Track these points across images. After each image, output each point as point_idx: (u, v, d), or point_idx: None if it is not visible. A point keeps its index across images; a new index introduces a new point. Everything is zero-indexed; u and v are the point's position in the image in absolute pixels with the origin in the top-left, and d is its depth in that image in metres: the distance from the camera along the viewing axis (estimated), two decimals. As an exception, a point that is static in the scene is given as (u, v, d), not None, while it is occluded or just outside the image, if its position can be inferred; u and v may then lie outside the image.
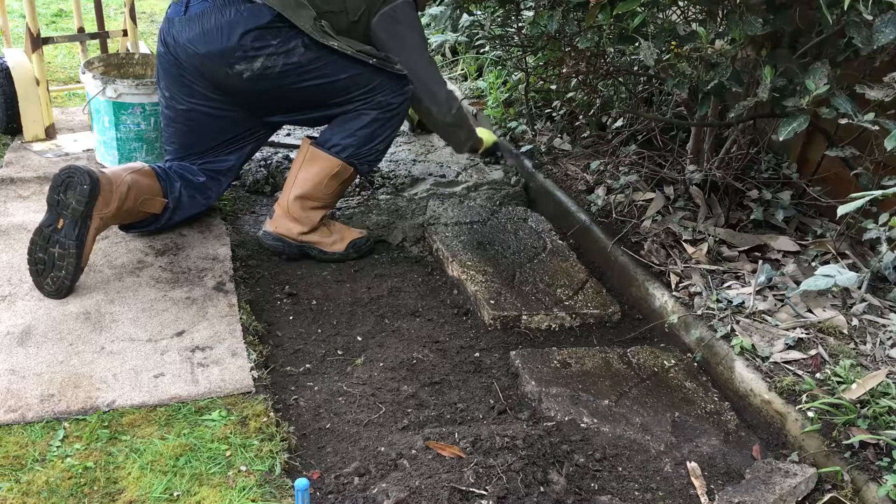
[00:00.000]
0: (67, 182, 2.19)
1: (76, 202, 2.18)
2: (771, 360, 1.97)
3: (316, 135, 2.67)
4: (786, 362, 1.96)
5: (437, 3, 3.37)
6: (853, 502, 1.63)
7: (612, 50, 2.82)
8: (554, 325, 2.33)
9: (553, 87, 3.45)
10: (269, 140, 3.43)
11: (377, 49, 2.49)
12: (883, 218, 2.10)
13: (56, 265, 2.16)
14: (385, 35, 2.50)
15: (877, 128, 1.87)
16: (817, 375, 1.90)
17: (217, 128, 2.55)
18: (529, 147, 3.29)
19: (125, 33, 3.45)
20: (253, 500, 1.59)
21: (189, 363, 1.99)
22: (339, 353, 2.17)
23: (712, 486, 1.72)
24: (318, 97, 2.47)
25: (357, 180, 3.12)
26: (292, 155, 3.27)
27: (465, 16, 3.08)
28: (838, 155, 2.14)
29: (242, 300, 2.29)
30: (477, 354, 2.18)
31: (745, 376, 1.95)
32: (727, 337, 2.06)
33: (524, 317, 2.31)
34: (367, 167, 2.60)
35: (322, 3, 2.41)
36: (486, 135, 3.12)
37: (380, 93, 2.47)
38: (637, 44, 2.18)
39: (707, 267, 2.36)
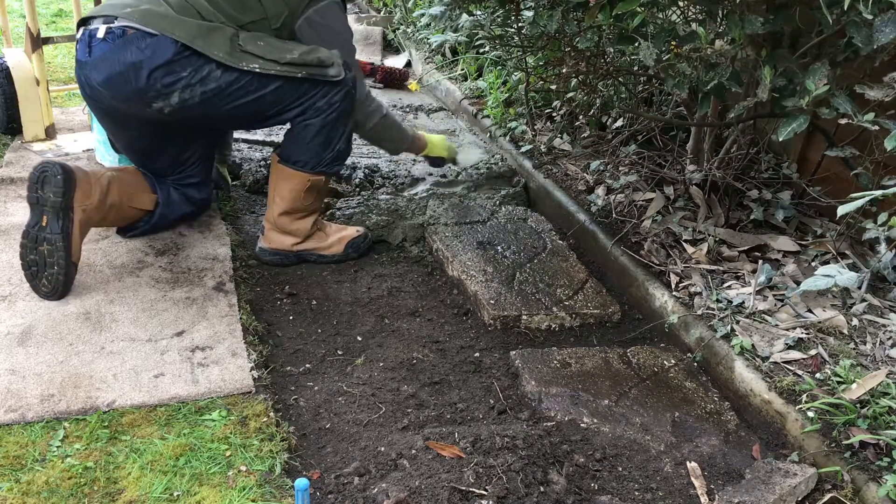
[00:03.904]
0: (42, 178, 2.18)
1: (53, 195, 2.16)
2: (771, 360, 1.97)
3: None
4: (786, 362, 1.96)
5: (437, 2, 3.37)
6: (853, 502, 1.63)
7: (612, 50, 2.82)
8: (554, 325, 2.33)
9: (553, 87, 3.45)
10: (270, 140, 3.43)
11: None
12: (882, 218, 2.10)
13: (47, 263, 2.16)
14: (307, 39, 2.43)
15: (877, 128, 1.87)
16: (817, 375, 1.90)
17: (163, 150, 2.50)
18: (529, 147, 3.29)
19: (125, 33, 3.44)
20: (253, 500, 1.59)
21: (189, 363, 1.99)
22: (339, 353, 2.17)
23: (712, 486, 1.72)
24: (251, 114, 2.36)
25: (357, 179, 3.12)
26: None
27: (464, 16, 3.07)
28: (838, 155, 2.14)
29: (242, 300, 2.29)
30: (477, 354, 2.18)
31: (745, 376, 1.95)
32: (727, 337, 2.06)
33: (524, 317, 2.31)
34: (338, 167, 2.54)
35: (241, 16, 2.32)
36: (440, 144, 3.04)
37: (315, 97, 2.36)
38: (637, 44, 2.18)
39: (707, 267, 2.36)
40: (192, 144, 2.54)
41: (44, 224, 2.17)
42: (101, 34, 2.23)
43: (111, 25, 2.23)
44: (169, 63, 2.19)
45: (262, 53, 2.28)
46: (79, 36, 2.31)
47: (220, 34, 2.24)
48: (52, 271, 2.16)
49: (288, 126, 2.47)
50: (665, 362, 2.12)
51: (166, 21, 2.21)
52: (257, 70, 2.26)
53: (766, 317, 2.12)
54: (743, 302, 2.17)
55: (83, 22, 2.32)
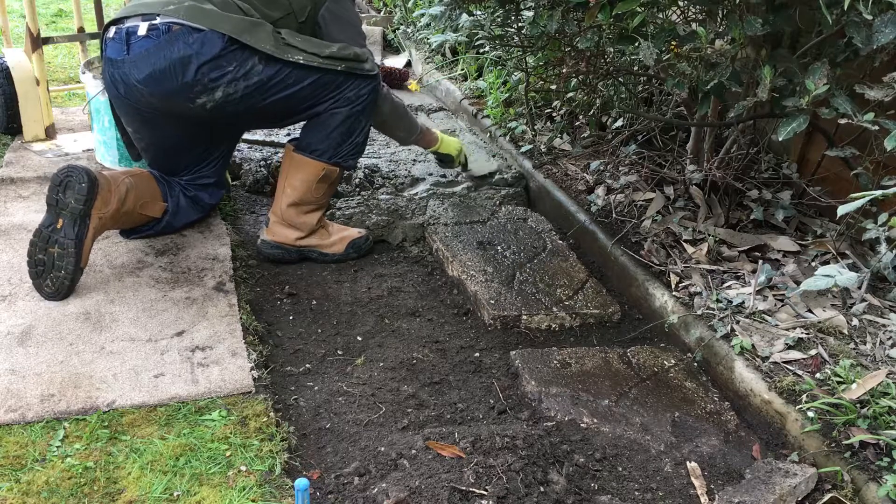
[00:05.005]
0: (66, 182, 2.19)
1: (75, 201, 2.18)
2: (771, 360, 1.97)
3: (298, 134, 2.63)
4: (786, 362, 1.96)
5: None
6: (853, 502, 1.63)
7: (612, 50, 2.82)
8: (554, 325, 2.33)
9: (553, 87, 3.45)
10: (270, 140, 3.43)
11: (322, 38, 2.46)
12: (883, 218, 2.10)
13: (55, 265, 2.16)
14: (328, 27, 2.50)
15: (877, 128, 1.87)
16: (817, 375, 1.90)
17: (190, 149, 2.53)
18: (529, 147, 3.29)
19: (125, 33, 3.44)
20: (253, 500, 1.59)
21: (189, 363, 1.99)
22: (339, 353, 2.17)
23: (712, 486, 1.72)
24: (285, 108, 2.41)
25: (357, 179, 3.12)
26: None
27: (464, 16, 3.07)
28: (838, 155, 2.14)
29: (242, 300, 2.29)
30: (477, 354, 2.18)
31: (745, 376, 1.95)
32: (727, 337, 2.06)
33: (524, 317, 2.31)
34: (352, 162, 2.58)
35: (271, 12, 2.37)
36: (452, 142, 3.08)
37: (346, 89, 2.42)
38: (637, 44, 2.18)
39: (707, 267, 2.36)
40: (216, 143, 2.57)
41: (58, 227, 2.18)
42: (142, 31, 2.24)
43: (153, 22, 2.24)
44: (217, 57, 2.22)
45: (303, 47, 2.34)
46: (111, 35, 2.31)
47: (263, 29, 2.29)
48: (58, 274, 2.16)
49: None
50: (665, 362, 2.12)
51: (212, 17, 2.24)
52: (301, 62, 2.31)
53: (766, 317, 2.12)
54: (743, 302, 2.17)
55: (114, 21, 2.33)
